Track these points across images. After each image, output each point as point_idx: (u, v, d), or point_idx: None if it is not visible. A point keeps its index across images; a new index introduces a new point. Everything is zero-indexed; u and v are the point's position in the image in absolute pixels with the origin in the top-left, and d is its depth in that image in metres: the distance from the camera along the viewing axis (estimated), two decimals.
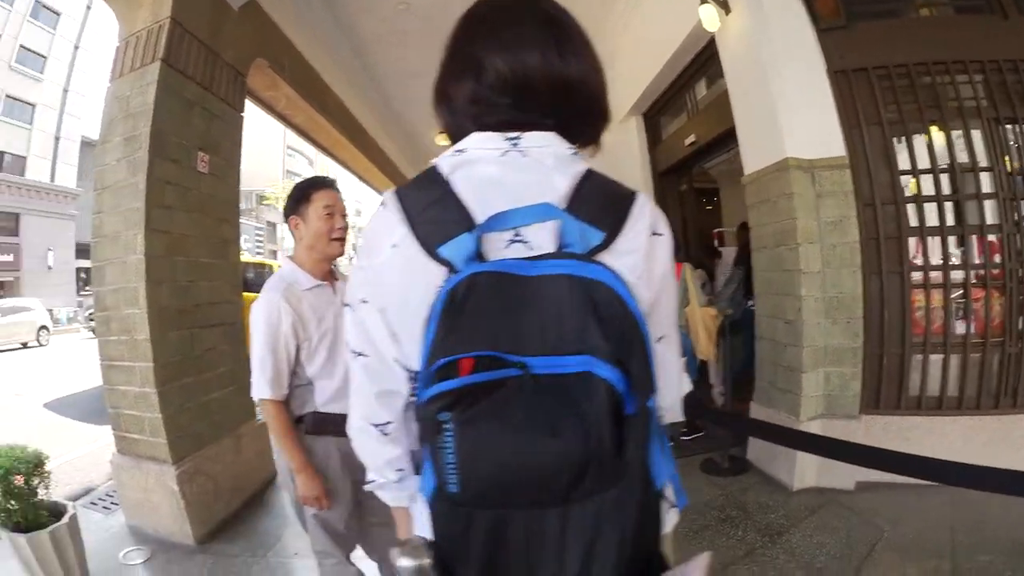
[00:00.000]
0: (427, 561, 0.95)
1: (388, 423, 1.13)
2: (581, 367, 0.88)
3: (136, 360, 4.18)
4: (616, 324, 0.90)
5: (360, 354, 1.12)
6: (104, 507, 4.94)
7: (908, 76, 4.61)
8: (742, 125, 5.19)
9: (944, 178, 4.63)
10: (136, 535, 4.35)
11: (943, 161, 4.63)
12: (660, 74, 6.94)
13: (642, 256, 1.04)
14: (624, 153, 8.47)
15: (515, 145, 1.07)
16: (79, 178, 36.99)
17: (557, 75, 1.09)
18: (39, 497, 3.35)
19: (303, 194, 2.63)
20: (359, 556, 2.82)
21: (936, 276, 4.61)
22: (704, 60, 6.31)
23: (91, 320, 23.27)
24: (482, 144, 1.08)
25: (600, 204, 1.04)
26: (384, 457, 1.17)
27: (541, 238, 1.00)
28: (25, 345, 23.34)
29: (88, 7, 37.15)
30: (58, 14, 35.45)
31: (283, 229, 60.13)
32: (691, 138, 7.06)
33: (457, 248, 0.96)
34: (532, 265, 0.93)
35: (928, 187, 4.64)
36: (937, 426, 4.49)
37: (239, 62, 5.23)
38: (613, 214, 1.04)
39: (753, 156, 5.06)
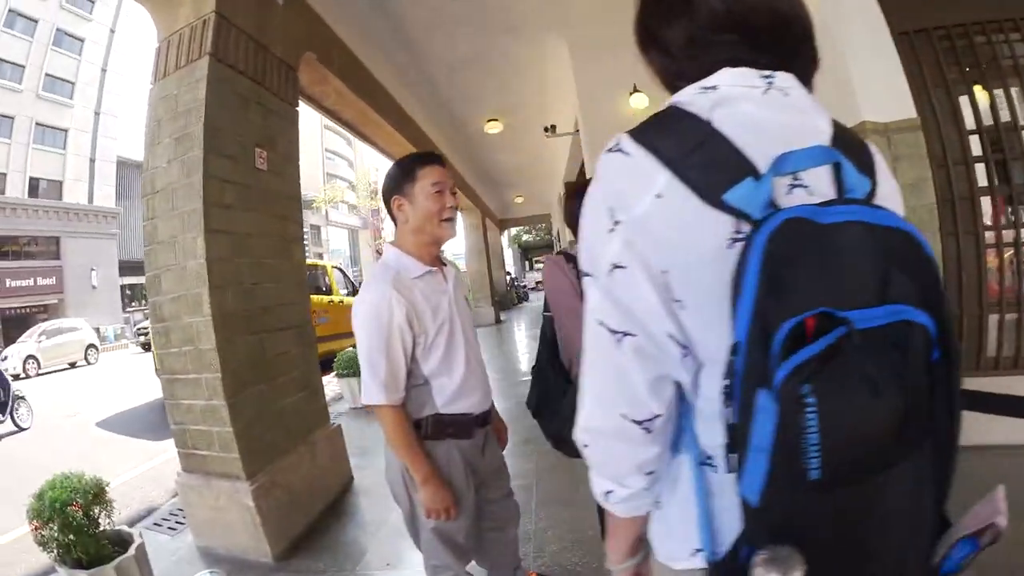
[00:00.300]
0: (802, 570, 0.75)
1: (655, 417, 0.92)
2: (894, 317, 0.76)
3: (202, 371, 3.81)
4: (919, 270, 0.80)
5: (626, 333, 0.90)
6: (169, 527, 4.58)
7: (966, 36, 4.41)
8: (813, 91, 4.83)
9: (1007, 137, 4.43)
10: (207, 556, 3.98)
11: (1005, 118, 4.44)
12: None
13: (892, 205, 0.91)
14: None
15: (771, 84, 0.93)
16: (118, 198, 37.82)
17: (770, 7, 0.97)
18: (102, 527, 3.02)
19: (407, 171, 2.23)
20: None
21: (1007, 235, 4.43)
22: None
23: (139, 335, 24.02)
24: (738, 81, 0.93)
25: (857, 150, 0.95)
26: (638, 460, 0.95)
27: (820, 183, 0.88)
28: (73, 365, 23.42)
29: (112, 31, 37.75)
30: (81, 40, 35.86)
31: (328, 232, 60.36)
32: None
33: (748, 194, 0.82)
34: (825, 212, 0.79)
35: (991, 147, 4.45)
36: (1016, 385, 4.09)
37: (288, 56, 4.90)
38: (868, 161, 0.96)
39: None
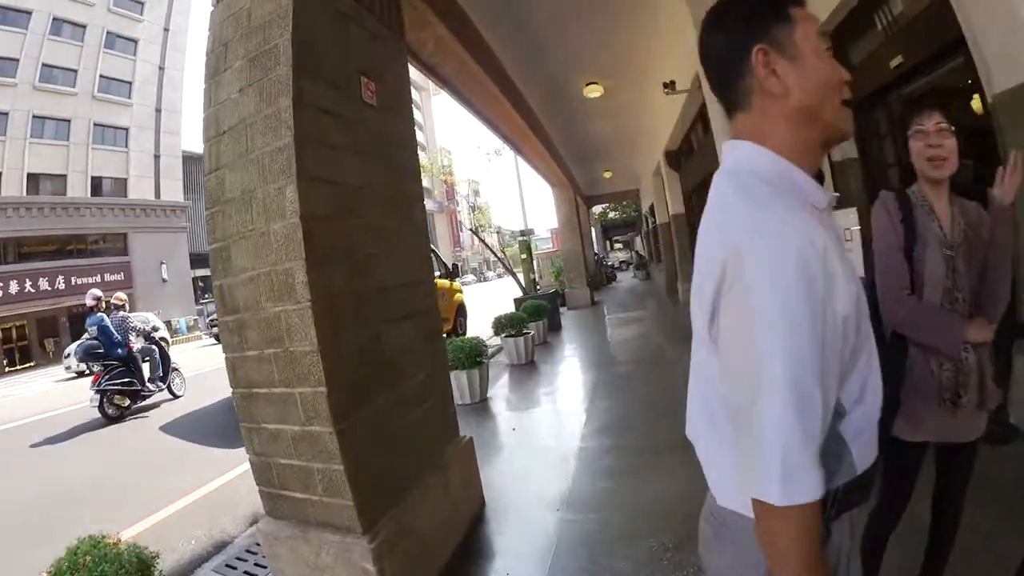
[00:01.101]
0: None
1: None
2: None
3: (295, 384, 2.66)
4: None
5: None
6: (245, 572, 3.54)
7: None
8: (980, 36, 3.94)
9: None
10: None
11: None
12: None
13: None
14: None
15: None
16: (186, 191, 39.19)
17: None
18: None
19: (775, 5, 1.08)
20: None
21: None
22: None
23: (212, 326, 25.07)
24: None
25: None
26: None
27: None
28: None
29: (166, 29, 38.47)
30: (135, 41, 36.69)
31: None
32: (897, 59, 5.53)
33: None
34: None
35: None
36: None
37: None
38: None
39: (1002, 70, 3.82)
